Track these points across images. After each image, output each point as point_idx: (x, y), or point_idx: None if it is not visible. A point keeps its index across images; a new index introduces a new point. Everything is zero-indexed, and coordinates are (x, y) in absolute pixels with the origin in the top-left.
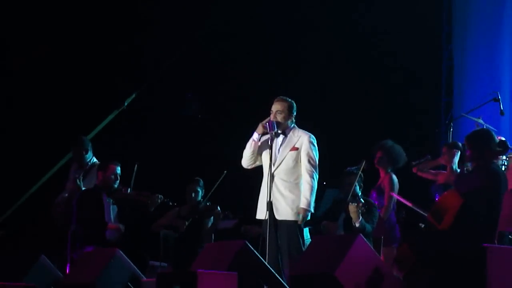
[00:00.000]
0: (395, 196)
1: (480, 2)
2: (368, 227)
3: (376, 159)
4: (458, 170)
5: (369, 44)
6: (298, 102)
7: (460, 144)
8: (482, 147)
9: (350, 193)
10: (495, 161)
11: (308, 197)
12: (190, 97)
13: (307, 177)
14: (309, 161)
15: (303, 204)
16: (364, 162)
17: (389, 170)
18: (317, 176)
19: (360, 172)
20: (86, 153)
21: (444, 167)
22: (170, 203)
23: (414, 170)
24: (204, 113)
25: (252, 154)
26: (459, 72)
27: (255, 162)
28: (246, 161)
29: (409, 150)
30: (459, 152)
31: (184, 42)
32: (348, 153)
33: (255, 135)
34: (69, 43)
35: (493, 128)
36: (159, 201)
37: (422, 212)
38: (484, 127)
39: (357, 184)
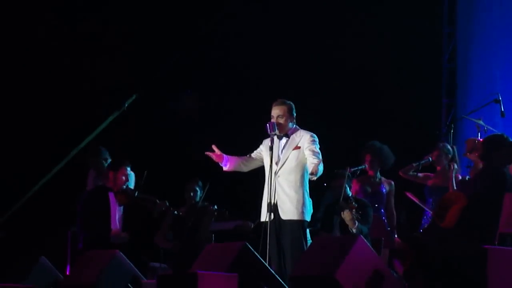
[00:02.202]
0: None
1: (483, 3)
2: (365, 229)
3: (369, 163)
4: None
5: (370, 44)
6: (297, 102)
7: (450, 148)
8: (490, 148)
9: (342, 196)
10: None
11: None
12: (186, 93)
13: (313, 161)
14: (313, 154)
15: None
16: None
17: (378, 172)
18: (322, 168)
19: (348, 173)
20: (106, 162)
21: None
22: (175, 212)
23: (400, 173)
24: (198, 108)
25: (242, 170)
26: (461, 74)
27: (255, 167)
28: (244, 171)
29: (410, 151)
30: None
31: (183, 42)
32: (348, 155)
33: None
34: (68, 44)
35: (493, 130)
36: (163, 208)
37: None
38: (485, 128)
39: (347, 186)
